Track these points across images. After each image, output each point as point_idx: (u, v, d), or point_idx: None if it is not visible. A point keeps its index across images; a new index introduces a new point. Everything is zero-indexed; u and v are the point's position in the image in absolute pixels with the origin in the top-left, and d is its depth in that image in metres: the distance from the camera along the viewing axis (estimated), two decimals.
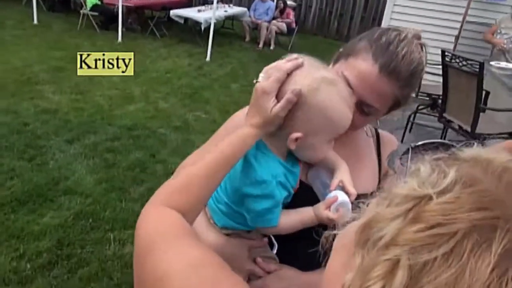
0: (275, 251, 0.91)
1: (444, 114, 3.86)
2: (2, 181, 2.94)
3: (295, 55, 0.80)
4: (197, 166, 0.72)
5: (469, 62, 3.32)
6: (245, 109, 1.00)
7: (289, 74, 0.78)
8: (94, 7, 7.75)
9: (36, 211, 2.71)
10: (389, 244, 0.33)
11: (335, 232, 0.44)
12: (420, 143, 0.97)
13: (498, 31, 5.29)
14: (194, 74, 6.15)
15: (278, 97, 0.78)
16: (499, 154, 0.36)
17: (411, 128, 4.89)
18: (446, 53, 3.59)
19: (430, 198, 0.33)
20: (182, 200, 0.67)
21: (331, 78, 0.80)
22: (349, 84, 0.85)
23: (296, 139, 0.80)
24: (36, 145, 3.51)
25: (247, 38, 8.99)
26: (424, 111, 5.09)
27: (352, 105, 0.81)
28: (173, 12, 7.72)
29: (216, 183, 0.73)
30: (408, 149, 0.99)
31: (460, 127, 3.71)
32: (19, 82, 4.84)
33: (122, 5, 7.34)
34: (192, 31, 7.98)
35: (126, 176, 3.25)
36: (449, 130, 4.25)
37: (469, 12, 5.63)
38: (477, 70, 3.24)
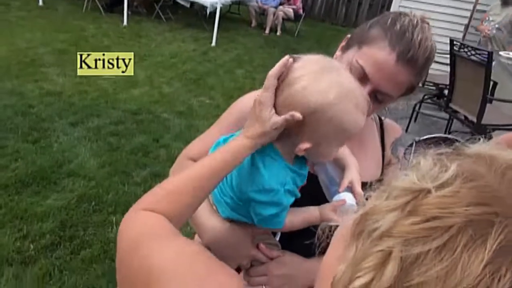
0: (278, 238, 0.91)
1: (450, 104, 3.83)
2: (6, 163, 2.96)
3: (287, 57, 0.74)
4: (187, 174, 0.70)
5: (478, 51, 3.27)
6: (250, 94, 0.99)
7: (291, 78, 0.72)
8: None
9: (40, 193, 2.73)
10: (383, 236, 0.33)
11: (331, 224, 0.44)
12: (424, 137, 0.96)
13: (487, 18, 5.21)
14: (199, 59, 6.11)
15: (279, 107, 0.73)
16: (503, 151, 0.35)
17: (416, 117, 4.86)
18: (455, 42, 3.54)
19: (428, 191, 0.33)
20: (168, 207, 0.65)
21: (346, 86, 0.71)
22: (364, 73, 0.83)
23: (306, 148, 0.75)
24: (40, 127, 3.52)
25: (254, 24, 8.89)
26: (430, 101, 5.05)
27: (366, 108, 0.74)
28: None
29: (206, 191, 0.72)
30: (412, 142, 0.98)
31: (465, 117, 3.67)
32: (23, 63, 4.83)
33: None
34: (198, 16, 7.90)
35: (129, 160, 3.26)
36: (455, 120, 4.22)
37: (480, 1, 5.52)
38: (486, 60, 3.19)
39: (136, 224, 0.62)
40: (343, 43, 0.92)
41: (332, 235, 0.44)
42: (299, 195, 0.82)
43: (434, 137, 0.96)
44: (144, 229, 0.60)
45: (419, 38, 0.81)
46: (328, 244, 0.44)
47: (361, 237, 0.35)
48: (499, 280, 0.27)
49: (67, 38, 5.98)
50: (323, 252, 0.44)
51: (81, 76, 4.71)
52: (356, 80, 0.74)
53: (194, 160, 0.95)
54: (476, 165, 0.34)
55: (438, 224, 0.30)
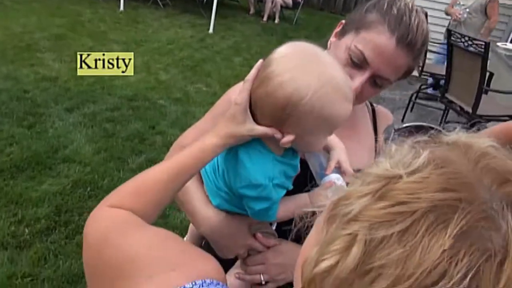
0: (274, 227, 0.92)
1: (446, 95, 3.83)
2: (1, 148, 2.95)
3: (261, 61, 0.73)
4: (155, 171, 0.69)
5: (475, 42, 3.26)
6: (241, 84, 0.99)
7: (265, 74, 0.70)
8: None
9: (35, 178, 2.73)
10: (351, 220, 0.33)
11: (312, 209, 0.44)
12: (405, 125, 0.97)
13: (458, 2, 5.14)
14: (196, 46, 6.07)
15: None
16: (480, 139, 0.35)
17: (412, 107, 4.87)
18: (452, 32, 3.53)
19: (400, 177, 0.33)
20: (135, 203, 0.64)
21: (326, 76, 0.69)
22: (364, 58, 0.83)
23: (289, 142, 0.73)
24: (35, 112, 3.51)
25: (252, 11, 8.82)
26: (427, 91, 5.06)
27: (352, 95, 0.73)
28: None
29: (175, 188, 0.70)
30: (393, 129, 0.99)
31: (461, 108, 3.68)
32: (18, 48, 4.79)
33: None
34: (196, 2, 7.82)
35: (125, 146, 3.26)
36: (450, 111, 4.22)
37: None
38: (483, 50, 3.19)
39: (103, 219, 0.61)
40: (337, 29, 0.92)
41: (310, 221, 0.44)
42: (290, 187, 0.82)
43: (417, 125, 0.98)
44: (112, 223, 0.59)
45: (416, 21, 0.82)
46: (305, 229, 0.44)
47: (333, 221, 0.36)
48: (456, 264, 0.28)
49: (63, 23, 5.92)
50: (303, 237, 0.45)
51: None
52: (341, 66, 0.73)
53: None
54: (449, 152, 0.34)
55: (404, 209, 0.31)
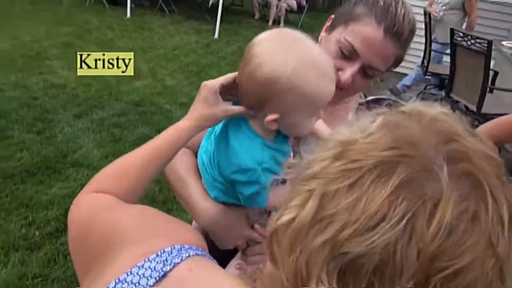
0: None
1: (451, 94, 3.83)
2: (12, 153, 3.02)
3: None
4: (133, 155, 0.72)
5: (478, 40, 3.27)
6: None
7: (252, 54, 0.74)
8: None
9: (45, 182, 2.79)
10: (311, 178, 0.37)
11: None
12: (371, 98, 1.00)
13: (436, 0, 5.06)
14: (201, 52, 6.14)
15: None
16: (433, 108, 0.39)
17: None
18: (455, 31, 3.54)
19: (356, 140, 0.37)
20: (115, 187, 0.66)
21: (304, 56, 0.72)
22: (354, 49, 0.86)
23: (274, 120, 0.75)
24: (45, 118, 3.58)
25: (257, 16, 8.88)
26: (432, 91, 5.05)
27: (334, 75, 0.74)
28: None
29: (152, 172, 0.72)
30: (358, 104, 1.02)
31: (466, 107, 3.68)
32: (27, 57, 4.89)
33: None
34: (201, 8, 7.91)
35: (132, 150, 3.30)
36: (457, 111, 4.22)
37: None
38: (485, 48, 3.19)
39: (86, 204, 0.62)
40: (327, 24, 0.96)
41: None
42: (280, 172, 0.84)
43: (383, 98, 1.01)
44: (96, 205, 0.61)
45: (402, 12, 0.85)
46: None
47: (296, 181, 0.39)
48: (395, 209, 0.32)
49: (71, 31, 6.02)
50: None
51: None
52: (329, 57, 0.76)
53: (187, 147, 0.98)
54: (402, 118, 0.38)
55: (355, 166, 0.35)
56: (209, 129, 0.90)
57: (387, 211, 0.32)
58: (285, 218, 0.37)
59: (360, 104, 1.04)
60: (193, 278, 0.43)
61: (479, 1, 5.56)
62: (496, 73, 3.87)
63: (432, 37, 4.95)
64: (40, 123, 3.50)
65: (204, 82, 0.79)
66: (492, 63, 4.28)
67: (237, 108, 0.77)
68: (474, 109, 3.48)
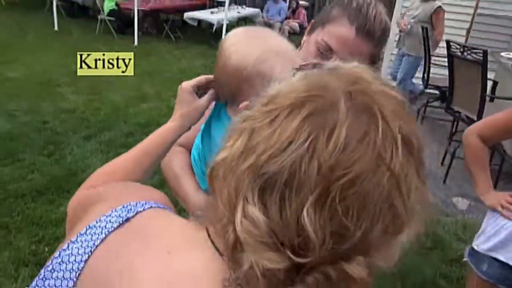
0: None
1: (451, 105, 3.87)
2: (23, 174, 3.13)
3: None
4: (124, 157, 0.80)
5: (473, 51, 3.34)
6: None
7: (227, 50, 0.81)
8: (111, 12, 8.01)
9: (54, 201, 2.88)
10: (244, 121, 0.45)
11: None
12: (304, 63, 1.08)
13: (408, 13, 5.05)
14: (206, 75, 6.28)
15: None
16: (350, 64, 0.46)
17: (422, 122, 4.90)
18: (451, 43, 3.61)
19: (281, 89, 0.45)
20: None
21: (271, 46, 0.79)
22: (330, 49, 0.94)
23: (247, 106, 0.83)
24: (55, 141, 3.71)
25: None
26: (435, 104, 5.09)
27: (299, 61, 0.79)
28: (186, 15, 7.91)
29: (140, 172, 0.78)
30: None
31: (467, 117, 3.71)
32: (40, 84, 5.08)
33: (138, 10, 7.57)
34: (206, 33, 8.15)
35: None
36: (460, 122, 4.24)
37: (480, 4, 5.58)
38: (481, 58, 3.25)
39: (81, 195, 0.69)
40: (308, 28, 1.05)
41: None
42: None
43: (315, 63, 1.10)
44: (88, 193, 0.67)
45: (373, 12, 0.93)
46: None
47: (233, 126, 0.47)
48: (300, 134, 0.39)
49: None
50: None
51: (94, 93, 4.94)
52: (289, 43, 0.83)
53: (183, 146, 1.06)
54: (321, 72, 0.45)
55: (275, 106, 0.42)
56: (201, 126, 0.97)
57: (295, 136, 0.39)
58: (221, 155, 0.44)
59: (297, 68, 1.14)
60: (152, 223, 0.50)
61: (477, 15, 5.68)
62: (495, 83, 3.92)
63: (401, 50, 4.99)
64: (50, 146, 3.62)
65: (180, 86, 0.87)
66: (492, 74, 4.35)
67: (206, 96, 0.85)
68: (475, 117, 3.52)
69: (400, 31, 5.03)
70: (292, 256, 0.38)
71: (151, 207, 0.52)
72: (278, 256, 0.39)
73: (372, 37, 0.94)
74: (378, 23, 0.94)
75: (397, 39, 5.33)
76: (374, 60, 1.00)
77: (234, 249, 0.41)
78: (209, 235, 0.46)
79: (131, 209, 0.50)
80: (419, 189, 0.42)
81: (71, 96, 4.83)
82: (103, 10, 7.98)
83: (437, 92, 4.99)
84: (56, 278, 0.47)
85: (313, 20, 1.05)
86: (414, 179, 0.41)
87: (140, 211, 0.51)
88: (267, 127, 0.41)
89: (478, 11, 5.63)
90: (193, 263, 0.44)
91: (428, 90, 5.02)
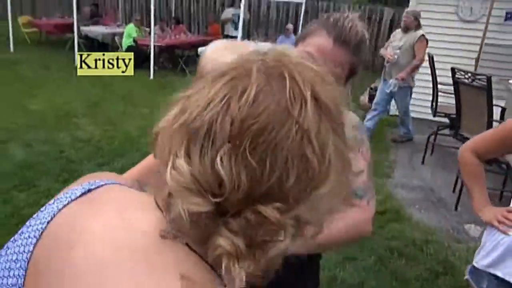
0: None
1: (460, 132, 3.88)
2: (38, 199, 3.23)
3: None
4: (130, 171, 0.90)
5: (478, 77, 3.38)
6: None
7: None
8: (129, 48, 8.38)
9: None
10: (184, 92, 0.52)
11: None
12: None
13: (391, 43, 5.12)
14: None
15: None
16: (280, 46, 0.53)
17: (432, 150, 4.87)
18: (457, 70, 3.67)
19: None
20: None
21: (246, 50, 0.88)
22: (313, 59, 1.02)
23: None
24: (70, 169, 3.83)
25: None
26: (445, 131, 5.08)
27: None
28: (200, 49, 8.20)
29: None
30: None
31: None
32: (58, 116, 5.29)
33: (154, 46, 7.91)
34: None
35: None
36: None
37: (487, 34, 5.67)
38: (486, 84, 3.30)
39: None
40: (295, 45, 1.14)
41: None
42: None
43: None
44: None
45: (349, 25, 1.04)
46: None
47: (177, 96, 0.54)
48: (218, 94, 0.46)
49: (99, 92, 6.50)
50: None
51: (109, 123, 5.11)
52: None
53: None
54: (254, 52, 0.52)
55: (208, 78, 0.50)
56: None
57: (214, 97, 0.46)
58: (161, 124, 0.51)
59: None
60: (109, 193, 0.56)
61: (486, 45, 5.75)
62: (504, 109, 3.93)
63: (388, 82, 5.00)
64: (65, 173, 3.73)
65: None
66: (503, 102, 4.36)
67: None
68: None
69: (387, 61, 5.10)
70: (212, 199, 0.44)
71: (113, 183, 0.58)
72: (202, 201, 0.44)
73: (348, 46, 1.03)
74: (354, 33, 1.04)
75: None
76: (354, 68, 1.08)
77: (168, 200, 0.47)
78: (155, 198, 0.52)
79: (94, 184, 0.57)
80: (338, 147, 0.47)
81: (87, 126, 5.01)
82: (121, 46, 8.35)
83: (446, 120, 5.00)
84: (23, 238, 0.53)
85: (297, 37, 1.15)
86: (330, 136, 0.46)
87: (102, 185, 0.57)
88: (196, 94, 0.49)
89: (486, 41, 5.71)
90: (142, 221, 0.50)
91: (436, 118, 5.03)
